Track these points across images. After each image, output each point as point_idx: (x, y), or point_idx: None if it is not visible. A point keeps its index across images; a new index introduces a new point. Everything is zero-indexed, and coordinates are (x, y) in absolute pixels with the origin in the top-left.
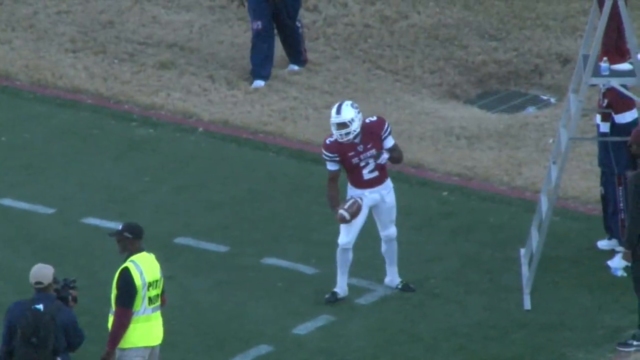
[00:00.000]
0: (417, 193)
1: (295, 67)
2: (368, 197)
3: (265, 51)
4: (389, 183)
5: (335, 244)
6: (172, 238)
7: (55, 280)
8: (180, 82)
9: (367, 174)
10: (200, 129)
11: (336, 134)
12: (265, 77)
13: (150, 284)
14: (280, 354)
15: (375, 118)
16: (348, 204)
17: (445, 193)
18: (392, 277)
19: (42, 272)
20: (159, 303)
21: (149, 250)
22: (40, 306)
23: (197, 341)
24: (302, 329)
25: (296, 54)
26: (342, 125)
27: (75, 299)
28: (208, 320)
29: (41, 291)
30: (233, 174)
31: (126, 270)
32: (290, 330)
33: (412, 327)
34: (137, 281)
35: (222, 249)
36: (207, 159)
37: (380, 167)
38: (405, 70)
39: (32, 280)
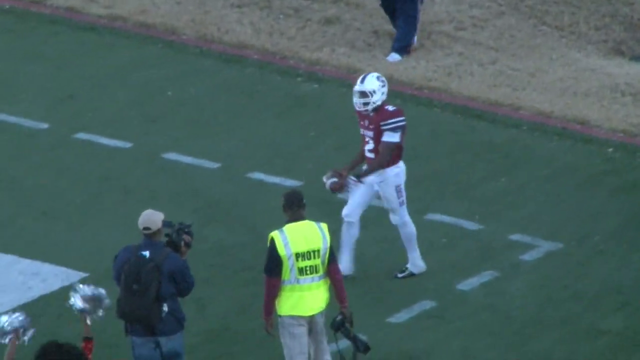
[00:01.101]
0: (581, 150)
1: (397, 57)
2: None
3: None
4: (386, 172)
5: (499, 201)
6: (335, 193)
7: (169, 225)
8: (345, 38)
9: (367, 152)
10: None
11: (355, 102)
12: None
13: (299, 255)
14: (444, 309)
15: (392, 108)
16: (330, 176)
17: (610, 150)
18: (411, 263)
19: (152, 217)
20: (317, 274)
21: (313, 208)
22: (147, 253)
23: (359, 296)
24: (466, 284)
25: (403, 41)
26: (362, 95)
27: (188, 244)
28: (370, 276)
29: (149, 237)
30: None
31: (271, 240)
32: (454, 286)
33: (575, 284)
34: (281, 251)
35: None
36: None
37: (378, 151)
38: (571, 27)
39: (140, 225)
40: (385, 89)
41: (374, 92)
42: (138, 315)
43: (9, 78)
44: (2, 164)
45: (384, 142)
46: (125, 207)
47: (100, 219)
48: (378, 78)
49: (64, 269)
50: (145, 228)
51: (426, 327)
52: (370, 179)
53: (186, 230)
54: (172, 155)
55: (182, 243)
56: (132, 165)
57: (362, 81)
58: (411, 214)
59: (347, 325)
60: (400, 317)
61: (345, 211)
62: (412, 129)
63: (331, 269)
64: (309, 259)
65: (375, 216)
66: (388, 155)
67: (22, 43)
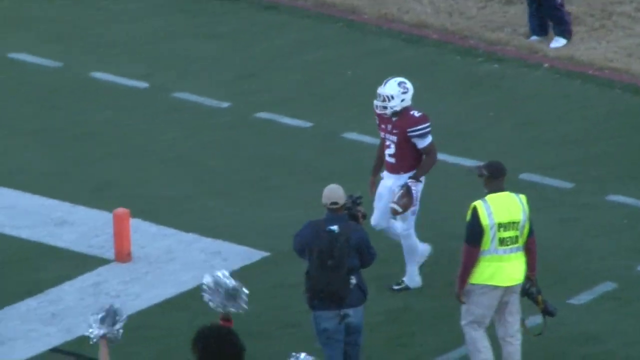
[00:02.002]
0: None
1: (563, 40)
2: (384, 179)
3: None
4: (405, 177)
5: None
6: (517, 174)
7: (350, 198)
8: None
9: (387, 156)
10: (546, 65)
11: (375, 102)
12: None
13: (501, 225)
14: (625, 290)
15: (418, 114)
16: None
17: None
18: (408, 277)
19: (338, 192)
20: (517, 244)
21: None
22: (335, 227)
23: (539, 278)
24: None
25: (562, 24)
26: (381, 98)
27: (364, 216)
28: (548, 257)
29: (335, 212)
30: (574, 110)
31: (474, 209)
32: (635, 268)
33: None
34: (484, 221)
35: (566, 185)
36: (551, 95)
37: (399, 156)
38: None
39: (326, 200)
40: (406, 95)
41: (392, 97)
42: (332, 290)
43: (189, 57)
44: (181, 143)
45: (424, 147)
46: (304, 186)
47: (280, 197)
48: (400, 84)
49: (245, 247)
50: (333, 203)
51: (606, 308)
52: (391, 182)
53: (358, 202)
54: (351, 135)
55: (359, 215)
56: (312, 144)
57: (384, 84)
58: (591, 194)
59: (534, 289)
60: (581, 298)
61: (373, 221)
62: (592, 110)
63: (529, 241)
64: (510, 230)
65: (554, 197)
66: (435, 154)
67: (199, 21)
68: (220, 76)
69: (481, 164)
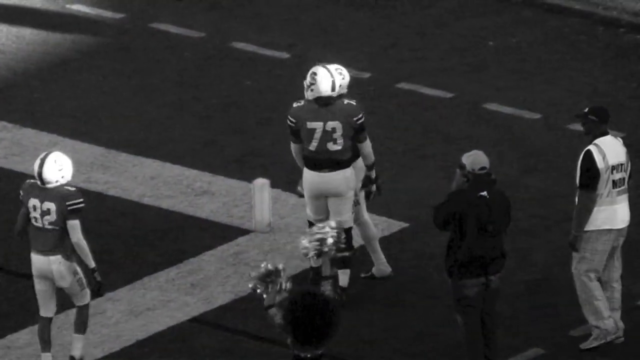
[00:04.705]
0: None
1: None
2: None
3: None
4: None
5: None
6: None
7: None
8: None
9: None
10: None
11: None
12: None
13: (614, 167)
14: None
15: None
16: None
17: None
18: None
19: (485, 157)
20: (624, 186)
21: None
22: (484, 192)
23: None
24: None
25: None
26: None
27: (494, 181)
28: None
29: (482, 177)
30: None
31: (589, 153)
32: None
33: None
34: (599, 164)
35: None
36: None
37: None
38: None
39: (475, 166)
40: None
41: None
42: (492, 256)
43: (334, 26)
44: None
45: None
46: (445, 156)
47: (421, 168)
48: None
49: (384, 218)
50: (482, 167)
51: None
52: None
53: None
54: (493, 106)
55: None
56: (454, 115)
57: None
58: None
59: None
60: None
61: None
62: None
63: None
64: (620, 171)
65: None
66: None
67: None
68: (365, 46)
69: (585, 109)
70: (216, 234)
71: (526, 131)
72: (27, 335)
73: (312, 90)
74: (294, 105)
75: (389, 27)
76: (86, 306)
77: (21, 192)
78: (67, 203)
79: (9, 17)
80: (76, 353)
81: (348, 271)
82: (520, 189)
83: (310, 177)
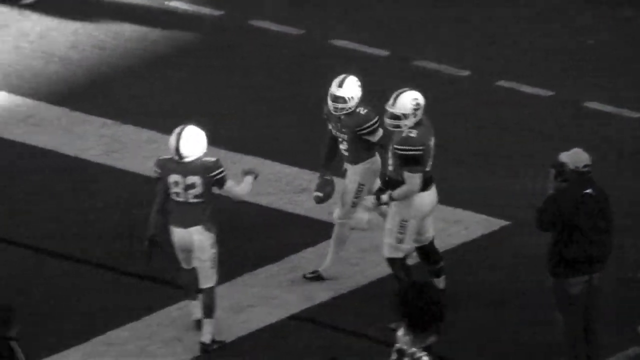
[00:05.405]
0: None
1: None
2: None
3: None
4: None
5: None
6: None
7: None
8: None
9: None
10: None
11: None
12: None
13: None
14: None
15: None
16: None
17: None
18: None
19: (586, 155)
20: None
21: None
22: (590, 190)
23: None
24: None
25: None
26: (340, 100)
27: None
28: None
29: (586, 175)
30: None
31: None
32: None
33: None
34: None
35: None
36: None
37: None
38: None
39: (579, 164)
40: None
41: (351, 98)
42: (601, 253)
43: (433, 23)
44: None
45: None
46: (543, 154)
47: (520, 166)
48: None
49: (484, 216)
50: (585, 165)
51: None
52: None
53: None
54: (593, 104)
55: None
56: (552, 113)
57: (340, 85)
58: None
59: None
60: None
61: (335, 214)
62: None
63: None
64: None
65: None
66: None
67: None
68: (465, 44)
69: None
70: (316, 231)
71: (624, 131)
72: (128, 332)
73: (416, 115)
74: (414, 134)
75: (488, 25)
76: (212, 289)
77: (157, 170)
78: (212, 174)
79: (109, 14)
80: (205, 338)
81: (443, 276)
82: (615, 189)
83: (428, 197)
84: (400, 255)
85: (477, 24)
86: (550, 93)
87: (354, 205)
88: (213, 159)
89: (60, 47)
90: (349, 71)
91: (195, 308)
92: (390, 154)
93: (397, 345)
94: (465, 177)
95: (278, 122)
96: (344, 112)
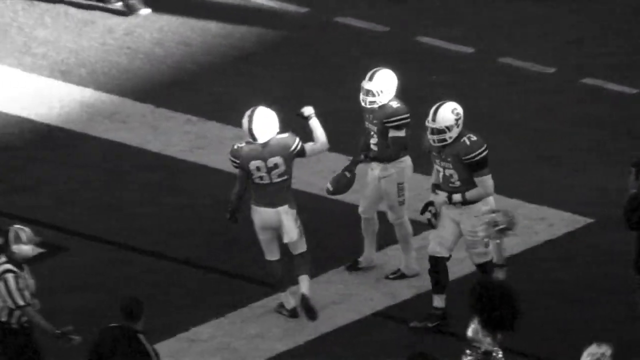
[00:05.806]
0: None
1: None
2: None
3: None
4: (389, 168)
5: None
6: None
7: None
8: None
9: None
10: None
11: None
12: None
13: None
14: None
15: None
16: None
17: None
18: (405, 265)
19: None
20: None
21: None
22: None
23: None
24: None
25: None
26: (370, 93)
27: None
28: None
29: None
30: None
31: None
32: None
33: None
34: None
35: None
36: None
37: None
38: None
39: None
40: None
41: (381, 92)
42: None
43: (518, 20)
44: (505, 108)
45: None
46: (630, 153)
47: (604, 164)
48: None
49: (569, 214)
50: None
51: None
52: (376, 173)
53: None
54: None
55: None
56: (637, 110)
57: (371, 79)
58: None
59: None
60: None
61: (360, 208)
62: None
63: None
64: None
65: None
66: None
67: None
68: (549, 41)
69: None
70: None
71: None
72: (211, 329)
73: (458, 125)
74: (474, 137)
75: (574, 22)
76: (307, 252)
77: (234, 159)
78: (291, 150)
79: (195, 11)
80: (304, 290)
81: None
82: None
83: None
84: (488, 258)
85: (562, 20)
86: (635, 90)
87: (402, 203)
88: (286, 134)
89: (146, 43)
90: (435, 68)
91: (287, 298)
92: (450, 165)
93: (482, 347)
94: (549, 174)
95: (359, 118)
96: (374, 105)
